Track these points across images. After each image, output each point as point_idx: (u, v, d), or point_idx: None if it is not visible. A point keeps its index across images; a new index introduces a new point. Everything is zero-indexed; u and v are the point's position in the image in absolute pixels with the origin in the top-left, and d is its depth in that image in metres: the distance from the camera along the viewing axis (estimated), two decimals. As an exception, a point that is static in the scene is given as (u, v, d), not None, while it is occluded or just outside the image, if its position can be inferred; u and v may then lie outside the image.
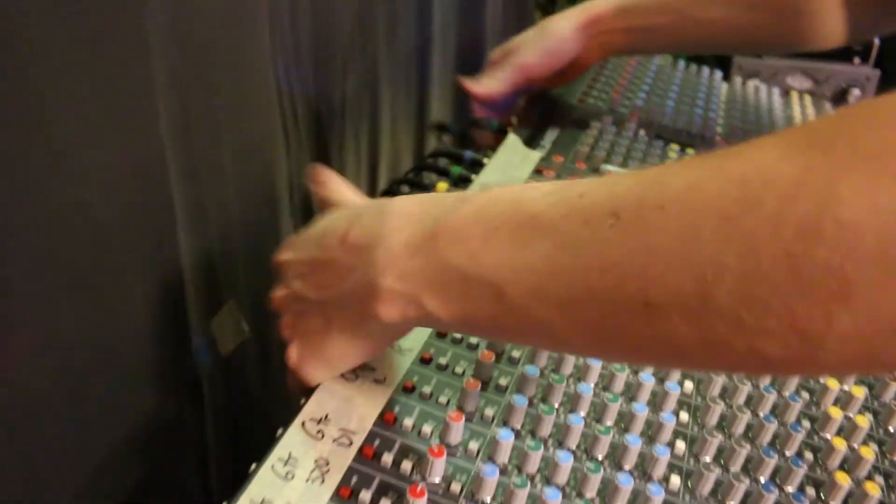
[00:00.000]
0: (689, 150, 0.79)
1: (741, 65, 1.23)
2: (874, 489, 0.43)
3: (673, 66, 1.02)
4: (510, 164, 0.70)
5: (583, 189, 0.32)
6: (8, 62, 0.38)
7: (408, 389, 0.45)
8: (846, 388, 0.50)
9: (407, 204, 0.38)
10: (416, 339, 0.49)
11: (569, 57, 0.77)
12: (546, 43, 0.76)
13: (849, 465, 0.46)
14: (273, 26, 0.64)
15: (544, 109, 0.83)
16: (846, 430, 0.48)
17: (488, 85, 0.77)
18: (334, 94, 0.79)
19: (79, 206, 0.46)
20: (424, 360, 0.47)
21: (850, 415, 0.49)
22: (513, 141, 0.74)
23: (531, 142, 0.75)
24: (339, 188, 0.49)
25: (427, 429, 0.43)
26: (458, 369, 0.47)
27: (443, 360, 0.47)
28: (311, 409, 0.43)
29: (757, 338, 0.26)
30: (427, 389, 0.45)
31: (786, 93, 1.03)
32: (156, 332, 0.57)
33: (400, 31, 0.93)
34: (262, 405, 0.74)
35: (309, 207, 0.78)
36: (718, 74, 1.02)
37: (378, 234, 0.37)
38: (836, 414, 0.48)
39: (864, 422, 0.47)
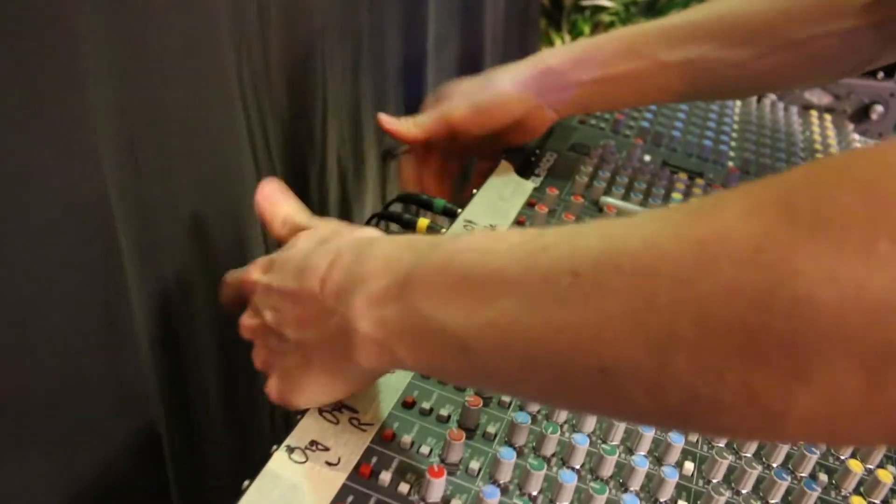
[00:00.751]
0: (699, 180, 0.73)
1: (756, 79, 1.16)
2: (886, 476, 0.43)
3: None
4: (500, 197, 0.64)
5: (547, 241, 0.31)
6: None
7: (364, 476, 0.39)
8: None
9: (384, 247, 0.38)
10: (379, 412, 0.43)
11: (508, 118, 0.64)
12: (481, 98, 0.64)
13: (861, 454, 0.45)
14: (237, 35, 0.59)
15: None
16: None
17: (404, 125, 0.65)
18: (311, 113, 0.73)
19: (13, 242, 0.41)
20: (385, 438, 0.41)
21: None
22: (504, 168, 0.68)
23: (525, 169, 0.69)
24: (286, 205, 0.49)
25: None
26: (425, 449, 0.41)
27: (407, 438, 0.41)
28: (251, 498, 0.37)
29: (714, 410, 0.26)
30: (384, 478, 0.39)
31: (804, 108, 0.96)
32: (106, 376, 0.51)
33: (389, 42, 0.87)
34: (226, 450, 0.68)
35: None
36: (732, 92, 0.95)
37: (356, 278, 0.36)
38: None
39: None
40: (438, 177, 0.69)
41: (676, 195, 0.69)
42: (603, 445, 0.42)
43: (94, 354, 0.50)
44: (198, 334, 0.62)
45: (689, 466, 0.44)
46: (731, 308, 0.24)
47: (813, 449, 0.44)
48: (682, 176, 0.73)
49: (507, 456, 0.39)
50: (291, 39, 0.66)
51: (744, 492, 0.42)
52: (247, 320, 0.43)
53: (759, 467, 0.42)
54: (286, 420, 0.43)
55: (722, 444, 0.45)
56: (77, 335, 0.48)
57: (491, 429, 0.43)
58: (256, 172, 0.65)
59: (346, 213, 0.86)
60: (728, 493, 0.41)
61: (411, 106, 0.94)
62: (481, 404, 0.43)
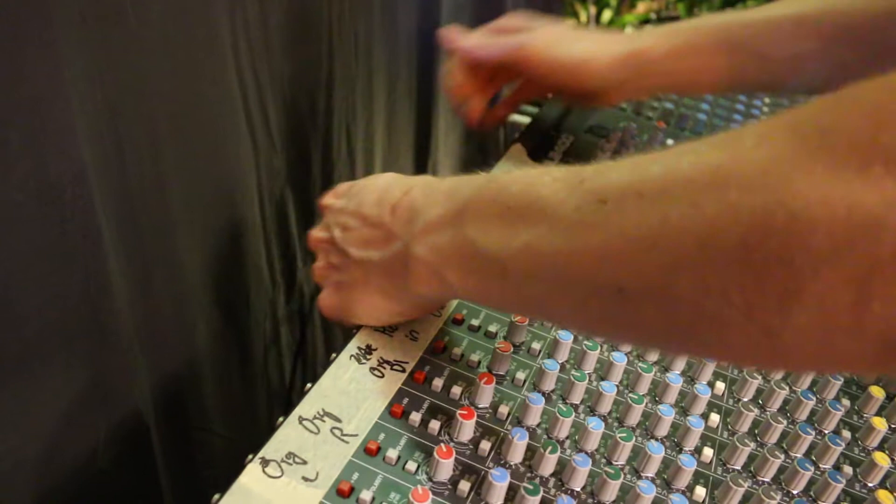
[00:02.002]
0: (724, 167, 0.68)
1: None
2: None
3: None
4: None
5: (585, 175, 0.33)
6: None
7: (343, 495, 0.36)
8: None
9: (448, 182, 0.41)
10: (363, 423, 0.39)
11: (586, 84, 0.60)
12: (567, 54, 0.60)
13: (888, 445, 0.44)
14: (233, 16, 0.55)
15: (558, 114, 0.72)
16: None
17: (478, 41, 0.62)
18: (316, 87, 0.69)
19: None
20: (369, 452, 0.38)
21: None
22: (516, 152, 0.64)
23: (539, 151, 0.65)
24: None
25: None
26: (411, 466, 0.38)
27: (392, 454, 0.38)
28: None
29: (719, 327, 0.27)
30: (367, 495, 0.36)
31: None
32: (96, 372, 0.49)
33: (399, 12, 0.82)
34: (218, 438, 0.66)
35: (285, 227, 0.69)
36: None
37: (421, 207, 0.40)
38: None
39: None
40: (481, 93, 0.65)
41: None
42: (630, 394, 0.42)
43: (74, 344, 0.47)
44: (186, 320, 0.59)
45: (714, 418, 0.43)
46: (734, 227, 0.25)
47: (838, 441, 0.42)
48: (707, 163, 0.68)
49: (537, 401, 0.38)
50: (292, 3, 0.62)
51: (765, 480, 0.41)
52: (316, 234, 0.47)
53: (782, 456, 0.40)
54: (287, 404, 0.41)
55: (746, 405, 0.44)
56: (55, 325, 0.45)
57: (485, 443, 0.39)
58: (254, 151, 0.62)
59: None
60: (749, 482, 0.40)
61: (425, 78, 0.90)
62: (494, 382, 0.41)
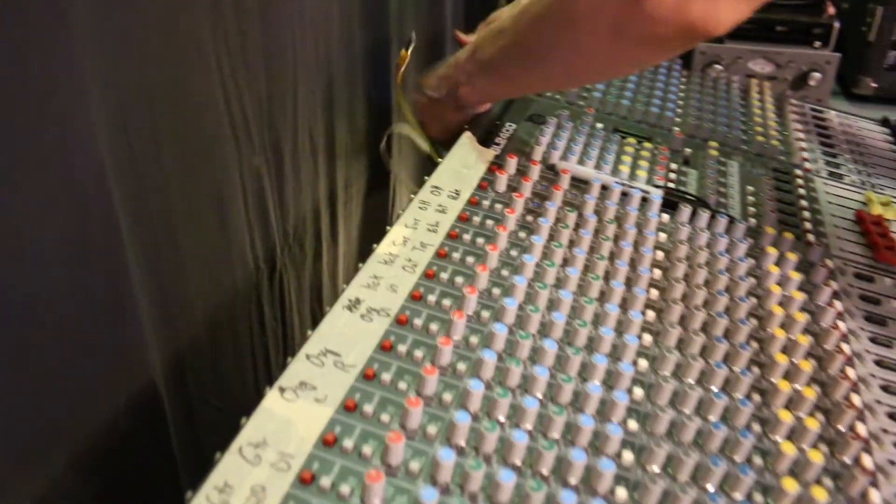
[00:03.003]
0: (647, 143, 0.78)
1: (703, 51, 1.22)
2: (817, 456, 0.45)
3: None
4: (464, 165, 0.69)
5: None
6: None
7: (349, 409, 0.44)
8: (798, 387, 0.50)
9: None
10: (360, 356, 0.48)
11: None
12: None
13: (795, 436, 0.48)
14: (215, 25, 0.62)
15: (502, 105, 0.82)
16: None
17: None
18: (284, 93, 0.77)
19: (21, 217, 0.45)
20: (367, 377, 0.46)
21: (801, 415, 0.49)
22: (467, 139, 0.73)
23: (487, 138, 0.74)
24: None
25: (368, 449, 0.42)
26: (402, 385, 0.46)
27: (386, 377, 0.46)
28: (248, 433, 0.42)
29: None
30: (368, 410, 0.44)
31: (748, 77, 1.02)
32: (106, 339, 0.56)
33: (354, 27, 0.91)
34: (218, 411, 0.73)
35: (265, 213, 0.76)
36: (677, 66, 1.01)
37: (459, 56, 0.74)
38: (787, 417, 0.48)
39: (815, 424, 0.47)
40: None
41: (626, 157, 0.75)
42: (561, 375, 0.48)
43: (98, 322, 0.54)
44: (186, 301, 0.66)
45: (639, 392, 0.49)
46: None
47: (747, 433, 0.46)
48: (632, 140, 0.78)
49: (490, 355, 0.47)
50: (264, 27, 0.70)
51: (681, 480, 0.44)
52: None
53: (696, 456, 0.44)
54: (269, 380, 0.48)
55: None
56: (81, 304, 0.52)
57: (462, 366, 0.48)
58: (237, 150, 0.70)
59: (328, 190, 0.90)
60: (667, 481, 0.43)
61: (381, 94, 0.98)
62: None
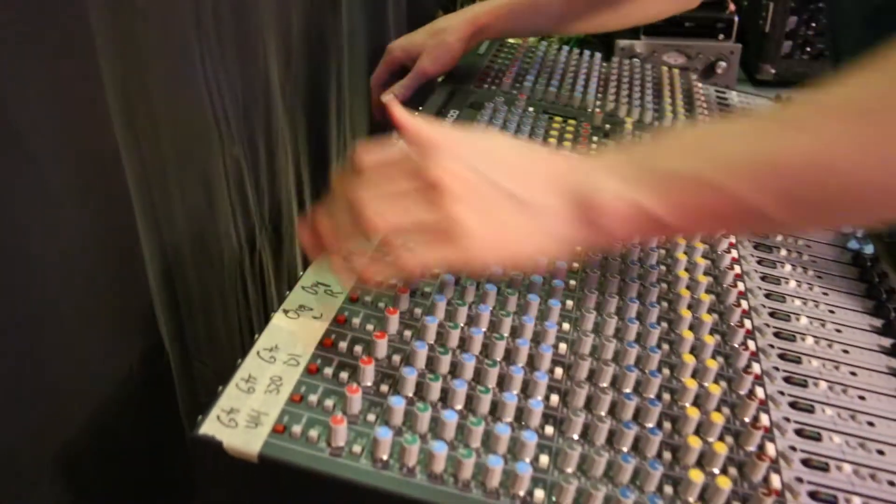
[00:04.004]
0: (571, 122, 0.92)
1: (623, 46, 1.38)
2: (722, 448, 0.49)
3: (557, 52, 1.15)
4: (416, 143, 0.81)
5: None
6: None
7: (340, 322, 0.56)
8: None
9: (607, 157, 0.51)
10: (345, 286, 0.59)
11: (456, 60, 0.99)
12: (441, 52, 0.98)
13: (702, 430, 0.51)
14: (197, 28, 0.74)
15: (446, 95, 0.94)
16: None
17: (400, 94, 1.00)
18: (257, 89, 0.88)
19: (43, 191, 0.55)
20: (352, 300, 0.58)
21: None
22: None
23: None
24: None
25: (358, 348, 0.53)
26: (381, 304, 0.58)
27: (367, 299, 0.58)
28: (263, 341, 0.53)
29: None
30: (356, 322, 0.56)
31: (657, 72, 1.17)
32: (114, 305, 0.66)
33: (313, 39, 1.03)
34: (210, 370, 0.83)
35: (244, 195, 0.87)
36: (598, 56, 1.15)
37: (580, 162, 0.50)
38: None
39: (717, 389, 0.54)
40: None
41: (553, 132, 0.88)
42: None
43: (110, 282, 0.64)
44: (184, 273, 0.77)
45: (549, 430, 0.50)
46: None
47: (656, 430, 0.49)
48: (558, 119, 0.92)
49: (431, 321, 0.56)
50: (238, 33, 0.82)
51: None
52: (441, 167, 0.47)
53: (608, 455, 0.47)
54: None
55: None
56: (94, 266, 0.62)
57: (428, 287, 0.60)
58: (220, 142, 0.81)
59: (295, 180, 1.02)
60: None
61: (338, 93, 1.10)
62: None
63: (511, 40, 1.18)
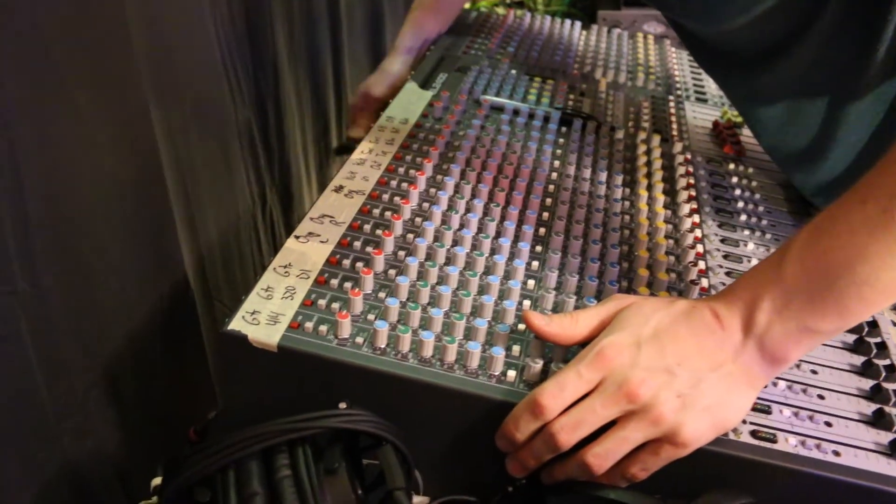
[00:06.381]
0: (550, 81, 1.01)
1: (605, 17, 1.46)
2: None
3: (541, 23, 1.24)
4: (409, 101, 0.90)
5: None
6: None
7: (344, 245, 0.65)
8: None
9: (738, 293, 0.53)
10: (347, 217, 0.69)
11: (403, 78, 1.00)
12: (392, 79, 1.00)
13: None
14: (213, 5, 0.83)
15: (435, 62, 1.03)
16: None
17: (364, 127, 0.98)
18: (266, 62, 0.98)
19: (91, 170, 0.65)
20: (353, 228, 0.67)
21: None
22: (410, 86, 0.94)
23: (425, 85, 0.95)
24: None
25: (359, 264, 0.63)
26: (378, 231, 0.67)
27: (367, 227, 0.68)
28: (278, 260, 0.63)
29: None
30: (357, 245, 0.65)
31: (633, 37, 1.26)
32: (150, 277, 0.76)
33: (314, 10, 1.12)
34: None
35: (256, 156, 0.97)
36: (578, 25, 1.24)
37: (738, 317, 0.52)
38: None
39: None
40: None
41: (533, 90, 0.97)
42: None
43: (143, 231, 0.74)
44: (205, 224, 0.87)
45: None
46: None
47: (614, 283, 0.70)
48: (538, 79, 1.01)
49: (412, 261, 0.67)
50: (249, 5, 0.91)
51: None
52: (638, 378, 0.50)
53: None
54: None
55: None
56: (131, 208, 0.72)
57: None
58: (234, 106, 0.90)
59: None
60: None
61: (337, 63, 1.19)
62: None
63: (499, 10, 1.27)
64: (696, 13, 0.78)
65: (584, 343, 0.55)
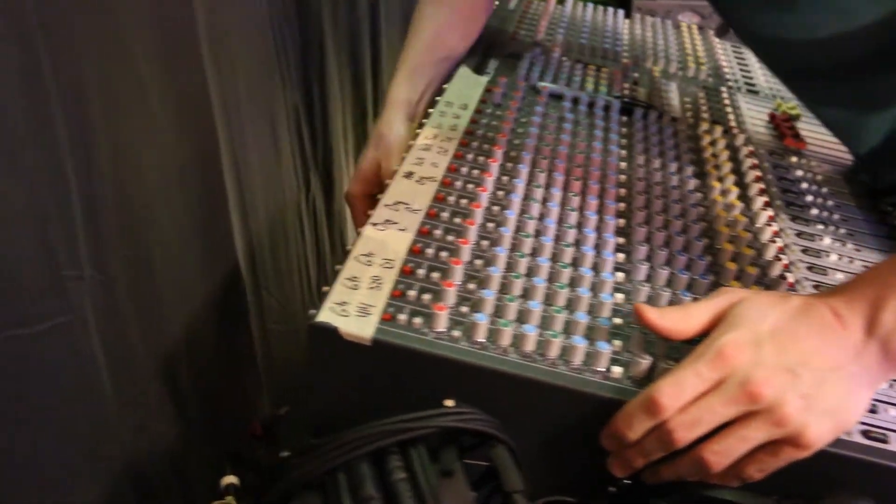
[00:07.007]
0: (604, 69, 0.98)
1: (639, 6, 1.44)
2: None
3: (583, 10, 1.21)
4: (466, 86, 0.87)
5: None
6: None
7: (424, 233, 0.62)
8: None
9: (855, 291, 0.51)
10: (422, 204, 0.66)
11: (405, 142, 0.81)
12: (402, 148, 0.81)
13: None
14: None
15: (486, 45, 1.00)
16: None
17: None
18: (312, 43, 0.94)
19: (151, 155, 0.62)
20: (430, 216, 0.64)
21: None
22: (464, 71, 0.91)
23: (478, 70, 0.92)
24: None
25: (444, 254, 0.60)
26: (457, 219, 0.65)
27: (445, 214, 0.65)
28: (358, 248, 0.60)
29: None
30: (438, 233, 0.62)
31: (677, 27, 1.23)
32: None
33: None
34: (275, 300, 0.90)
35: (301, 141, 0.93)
36: (621, 13, 1.21)
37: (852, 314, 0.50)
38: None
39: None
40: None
41: (589, 79, 0.94)
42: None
43: (200, 217, 0.71)
44: (256, 210, 0.84)
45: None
46: None
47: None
48: (592, 68, 0.98)
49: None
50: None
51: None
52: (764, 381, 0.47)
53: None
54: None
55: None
56: (198, 222, 0.69)
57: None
58: (282, 86, 0.87)
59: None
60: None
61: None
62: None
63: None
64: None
65: (691, 339, 0.52)
